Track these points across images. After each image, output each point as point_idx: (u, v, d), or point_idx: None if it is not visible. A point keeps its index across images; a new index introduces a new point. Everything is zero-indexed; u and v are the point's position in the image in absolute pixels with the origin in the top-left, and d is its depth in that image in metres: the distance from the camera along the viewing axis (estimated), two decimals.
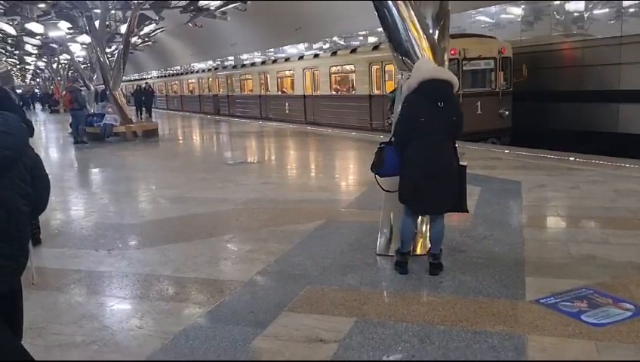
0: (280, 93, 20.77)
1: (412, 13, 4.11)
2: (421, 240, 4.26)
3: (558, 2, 12.90)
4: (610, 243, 4.35)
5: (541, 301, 3.28)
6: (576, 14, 12.57)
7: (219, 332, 3.06)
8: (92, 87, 22.48)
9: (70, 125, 15.73)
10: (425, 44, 4.22)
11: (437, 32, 4.31)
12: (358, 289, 3.63)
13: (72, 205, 7.11)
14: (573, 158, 8.39)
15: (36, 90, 51.59)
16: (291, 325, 3.12)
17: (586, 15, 12.25)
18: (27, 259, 2.03)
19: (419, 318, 3.15)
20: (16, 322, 2.09)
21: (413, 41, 4.19)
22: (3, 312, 1.97)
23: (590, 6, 12.17)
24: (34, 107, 41.49)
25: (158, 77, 41.11)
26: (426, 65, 3.84)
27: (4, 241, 1.86)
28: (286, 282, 3.80)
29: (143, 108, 24.95)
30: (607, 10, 11.86)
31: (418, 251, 4.15)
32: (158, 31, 19.81)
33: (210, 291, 3.70)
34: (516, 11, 14.06)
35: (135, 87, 26.28)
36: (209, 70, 30.31)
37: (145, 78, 41.37)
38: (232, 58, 30.88)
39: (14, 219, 1.89)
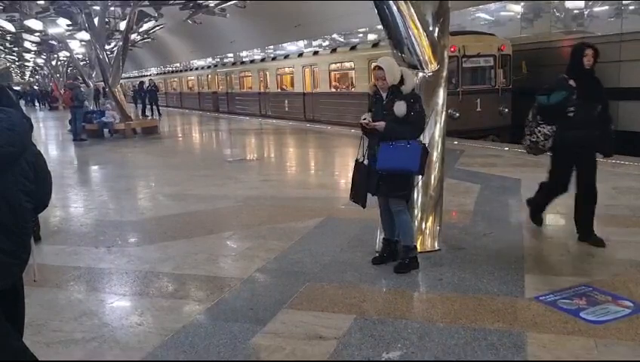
0: (279, 90, 20.76)
1: (412, 10, 4.10)
2: (420, 237, 4.26)
3: (557, 1, 12.89)
4: (609, 240, 4.34)
5: (540, 298, 3.28)
6: (576, 12, 12.55)
7: (219, 329, 3.06)
8: (91, 84, 22.47)
9: (69, 122, 15.72)
10: (425, 41, 4.21)
11: (437, 29, 4.31)
12: (357, 286, 3.64)
13: (72, 202, 7.10)
14: None
15: (35, 87, 51.57)
16: (291, 322, 3.12)
17: (585, 12, 12.23)
18: (29, 256, 2.03)
19: (418, 315, 3.16)
20: (18, 319, 2.10)
21: (413, 39, 4.18)
22: (5, 309, 1.98)
23: (590, 3, 12.15)
24: (34, 104, 41.48)
25: (157, 74, 41.04)
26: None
27: (6, 238, 1.86)
28: (285, 279, 3.80)
29: (151, 107, 24.43)
30: (606, 7, 11.85)
31: (419, 248, 4.14)
32: (158, 28, 19.77)
33: (210, 288, 3.71)
34: (516, 9, 14.04)
35: (138, 83, 25.68)
36: (208, 67, 30.27)
37: (144, 75, 41.33)
38: (231, 55, 30.84)
39: (18, 216, 1.90)
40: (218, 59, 32.38)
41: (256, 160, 10.59)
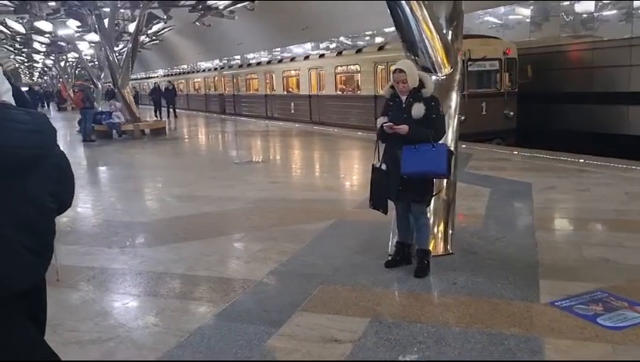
0: (286, 92, 20.84)
1: (425, 12, 4.09)
2: (433, 241, 4.25)
3: (567, 3, 12.85)
4: (623, 246, 4.33)
5: (556, 303, 3.27)
6: (585, 15, 12.52)
7: (234, 331, 3.07)
8: (100, 85, 22.60)
9: (78, 123, 15.81)
10: (438, 44, 4.21)
11: (450, 32, 4.31)
12: (370, 289, 3.63)
13: (84, 203, 7.13)
14: (583, 160, 8.36)
15: (43, 88, 51.86)
16: (306, 325, 3.12)
17: (595, 15, 12.19)
18: (52, 255, 2.05)
19: (433, 319, 3.15)
20: (41, 319, 2.11)
21: (427, 42, 4.17)
22: (28, 309, 1.99)
23: (599, 6, 12.12)
24: (42, 105, 41.71)
25: (163, 75, 41.29)
26: None
27: (31, 237, 1.88)
28: (298, 281, 3.81)
29: (167, 108, 24.02)
30: (615, 11, 11.82)
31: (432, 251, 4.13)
32: (166, 30, 19.86)
33: (224, 289, 3.72)
34: (524, 12, 14.02)
35: (154, 85, 25.45)
36: (215, 69, 30.44)
37: (151, 77, 41.55)
38: (238, 57, 31.01)
39: (43, 216, 1.91)
40: (225, 61, 32.55)
41: (264, 162, 10.61)
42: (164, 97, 24.09)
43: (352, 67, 16.36)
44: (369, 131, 14.17)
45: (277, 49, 27.19)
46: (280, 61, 22.21)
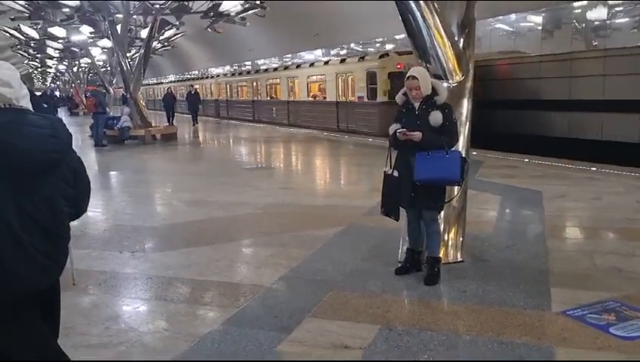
0: (269, 98, 23.23)
1: (437, 19, 4.11)
2: (444, 248, 4.24)
3: (579, 10, 12.82)
4: (636, 255, 4.29)
5: (568, 312, 3.24)
6: (597, 23, 12.47)
7: (244, 336, 3.07)
8: (112, 91, 22.85)
9: (90, 128, 15.98)
10: (450, 51, 4.22)
11: (462, 39, 4.32)
12: (380, 296, 3.63)
13: (95, 207, 7.17)
14: (594, 168, 8.29)
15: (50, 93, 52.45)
16: (316, 331, 3.13)
17: (608, 22, 12.15)
18: (66, 259, 2.08)
19: (444, 327, 3.13)
20: (54, 321, 2.14)
21: (438, 49, 4.18)
22: (42, 311, 2.02)
23: (610, 14, 12.08)
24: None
25: (169, 82, 42.24)
26: None
27: (46, 240, 1.91)
28: (308, 287, 3.81)
29: (192, 115, 23.04)
30: (627, 19, 11.77)
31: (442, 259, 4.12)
32: (178, 36, 20.05)
33: (234, 295, 3.73)
34: (536, 20, 13.99)
35: (167, 90, 25.47)
36: (211, 77, 32.97)
37: (162, 83, 42.18)
38: (248, 63, 31.67)
39: (58, 219, 1.95)
40: (220, 71, 34.14)
41: (270, 167, 10.65)
42: (188, 103, 23.32)
43: (320, 77, 18.65)
44: (333, 132, 16.38)
45: (287, 55, 27.45)
46: (265, 70, 24.77)
